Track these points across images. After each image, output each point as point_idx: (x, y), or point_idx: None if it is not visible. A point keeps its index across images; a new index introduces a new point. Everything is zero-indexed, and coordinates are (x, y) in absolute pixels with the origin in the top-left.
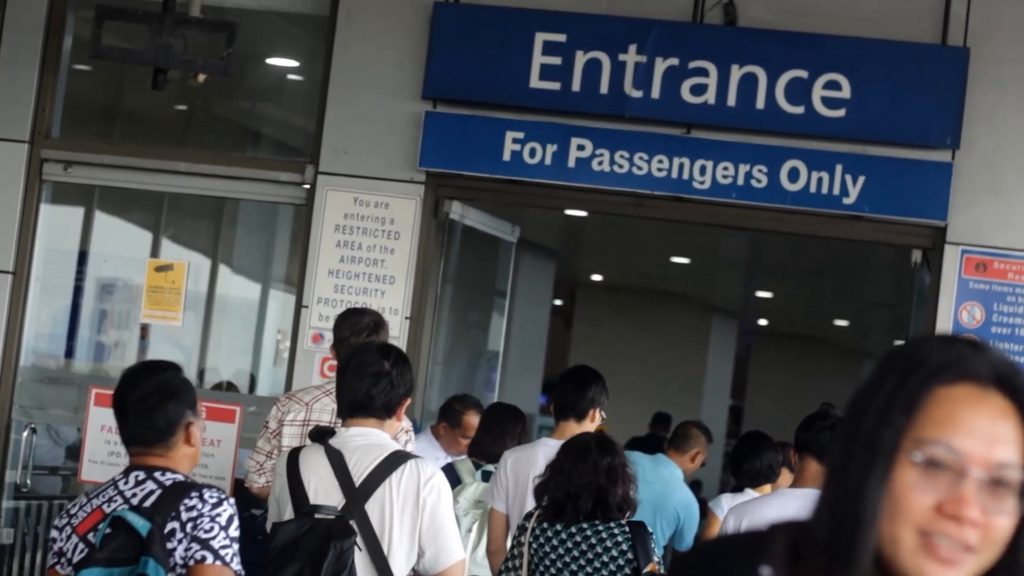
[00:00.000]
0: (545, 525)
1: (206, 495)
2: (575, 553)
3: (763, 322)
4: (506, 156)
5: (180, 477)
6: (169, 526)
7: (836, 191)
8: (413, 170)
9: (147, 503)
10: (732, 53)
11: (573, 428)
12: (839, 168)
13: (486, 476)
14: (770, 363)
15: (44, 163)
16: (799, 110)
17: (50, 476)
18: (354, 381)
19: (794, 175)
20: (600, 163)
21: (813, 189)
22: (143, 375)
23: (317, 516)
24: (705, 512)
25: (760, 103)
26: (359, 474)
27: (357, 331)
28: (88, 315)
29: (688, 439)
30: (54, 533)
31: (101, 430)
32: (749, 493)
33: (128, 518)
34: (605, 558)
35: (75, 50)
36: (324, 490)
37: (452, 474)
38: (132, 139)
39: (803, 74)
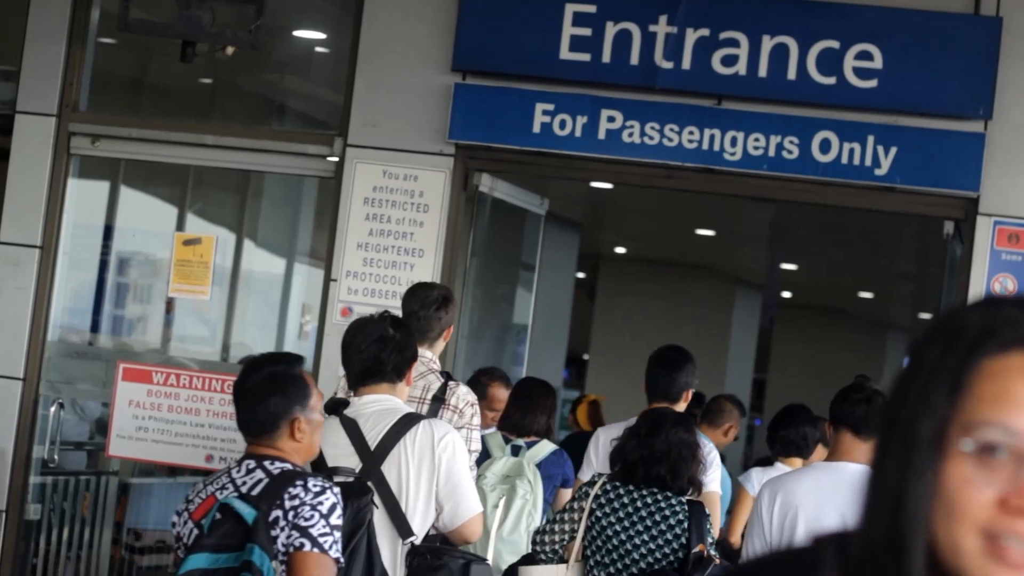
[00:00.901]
0: (615, 484)
1: (310, 484)
2: (634, 518)
3: (787, 294)
4: (536, 128)
5: (288, 466)
6: (273, 514)
7: (868, 162)
8: (442, 142)
9: (255, 491)
10: (763, 23)
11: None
12: (871, 139)
13: (515, 450)
14: (794, 336)
15: (72, 136)
16: (831, 81)
17: (76, 451)
18: (362, 349)
19: (826, 146)
20: (630, 135)
21: (845, 160)
22: (258, 366)
23: (335, 479)
24: (735, 488)
25: (792, 74)
26: (374, 438)
27: (426, 304)
28: (114, 289)
29: (722, 413)
30: (174, 518)
31: (129, 405)
32: (779, 467)
33: (235, 505)
34: (662, 527)
35: (102, 23)
36: (342, 458)
37: (482, 447)
38: (160, 112)
39: (835, 44)
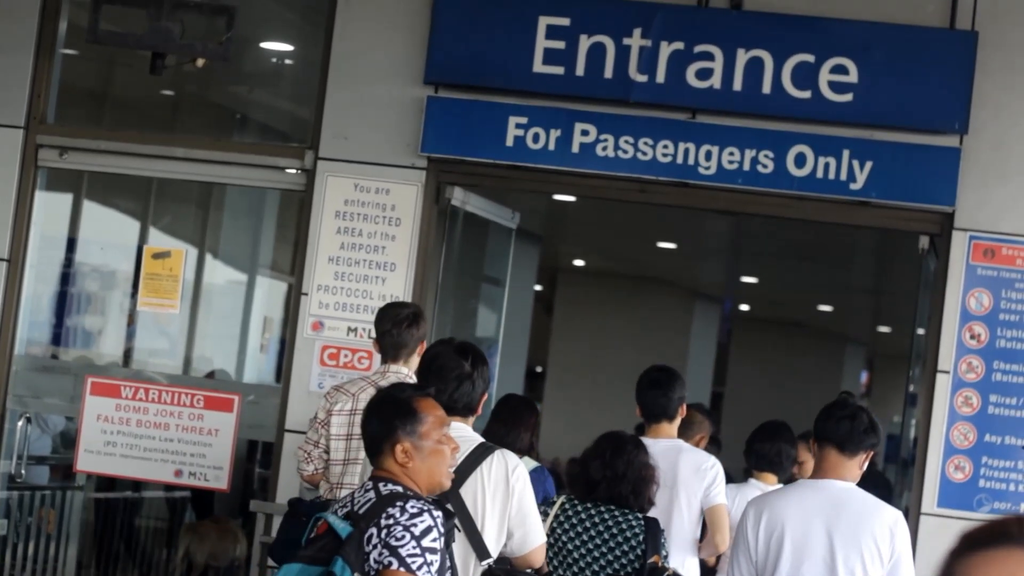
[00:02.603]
0: (573, 502)
1: (408, 505)
2: (592, 533)
3: (745, 307)
4: (509, 142)
5: (399, 489)
6: (368, 532)
7: (843, 176)
8: (415, 156)
9: (361, 511)
10: (738, 37)
11: (666, 428)
12: (846, 153)
13: None
14: (751, 349)
15: (39, 149)
16: (806, 95)
17: (38, 466)
18: (437, 384)
19: (801, 160)
20: (604, 148)
21: (820, 174)
22: (382, 390)
23: None
24: None
25: (766, 87)
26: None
27: (398, 322)
28: (79, 303)
29: (692, 425)
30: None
31: (97, 419)
32: (753, 483)
33: (331, 521)
34: (619, 539)
35: (70, 35)
36: None
37: None
38: (128, 125)
39: (810, 58)
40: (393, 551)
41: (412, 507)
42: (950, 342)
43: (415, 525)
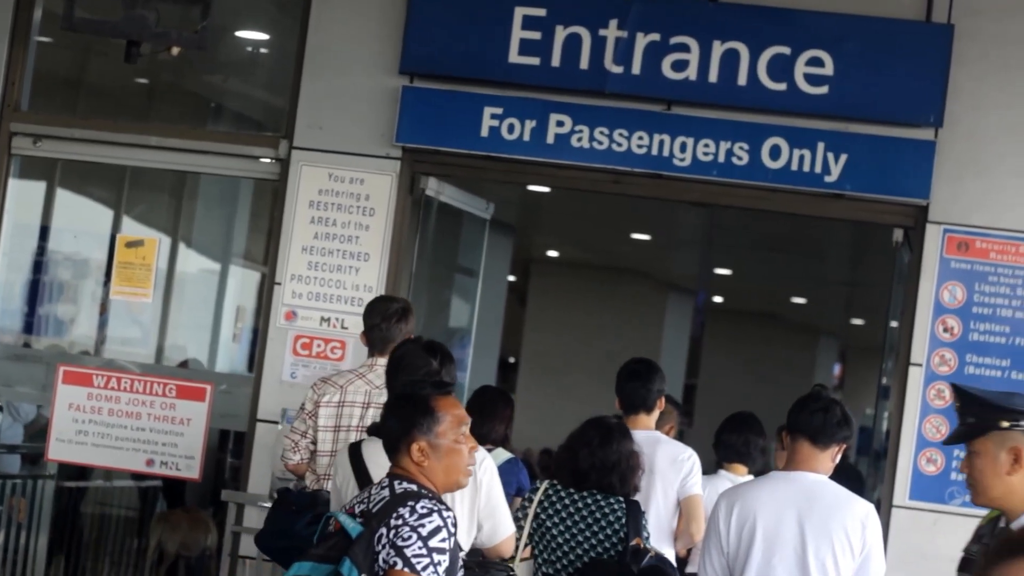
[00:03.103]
0: (556, 488)
1: (418, 505)
2: (576, 518)
3: (719, 299)
4: (484, 132)
5: (413, 488)
6: (379, 531)
7: (818, 169)
8: (389, 146)
9: (376, 508)
10: (714, 29)
11: (644, 419)
12: (821, 146)
13: None
14: (725, 341)
15: (13, 136)
16: (781, 87)
17: (8, 455)
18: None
19: (775, 152)
20: (579, 139)
21: (795, 167)
22: (403, 387)
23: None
24: None
25: (742, 79)
26: None
27: (387, 317)
28: (52, 291)
29: (661, 415)
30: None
31: (69, 408)
32: (723, 474)
33: (342, 520)
34: (602, 523)
35: (45, 23)
36: None
37: None
38: (102, 113)
39: (785, 50)
40: (399, 551)
41: (422, 507)
42: (923, 335)
43: (423, 525)
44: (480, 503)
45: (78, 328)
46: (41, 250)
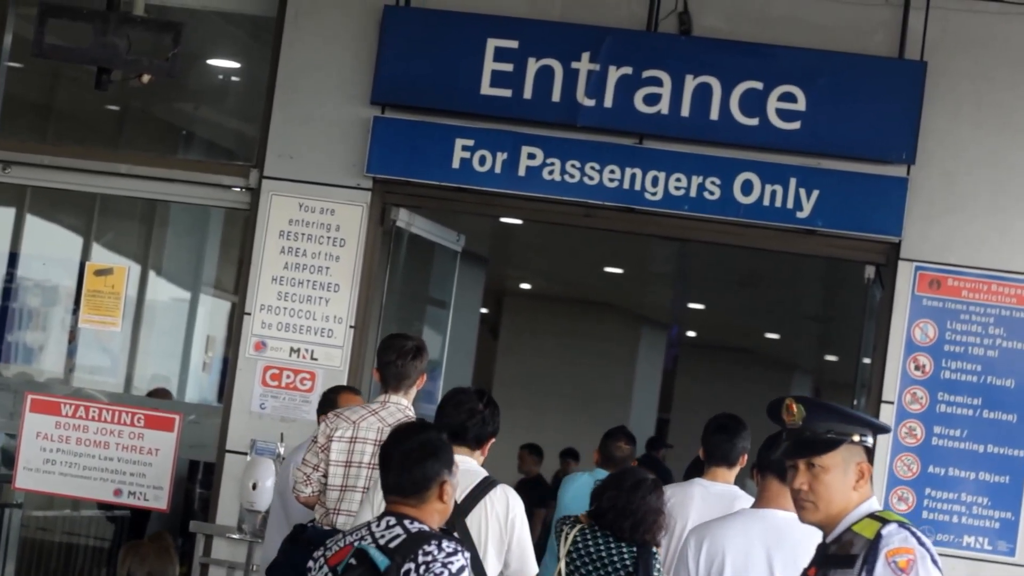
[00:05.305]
0: (584, 529)
1: (444, 544)
2: (594, 557)
3: (692, 333)
4: (455, 164)
5: (426, 528)
6: (405, 566)
7: (790, 205)
8: (360, 176)
9: (391, 544)
10: (686, 63)
11: (724, 473)
12: (793, 181)
13: None
14: (698, 375)
15: None
16: (753, 122)
17: None
18: (452, 414)
19: (747, 188)
20: (551, 172)
21: (767, 202)
22: (410, 433)
23: None
24: None
25: (714, 114)
26: (459, 493)
27: (403, 353)
28: (20, 318)
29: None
30: (310, 564)
31: (36, 437)
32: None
33: (370, 552)
34: (609, 570)
35: (15, 48)
36: None
37: None
38: (72, 140)
39: (758, 85)
40: None
41: (447, 546)
42: (895, 372)
43: (452, 563)
44: (512, 543)
45: (47, 356)
46: (10, 277)
